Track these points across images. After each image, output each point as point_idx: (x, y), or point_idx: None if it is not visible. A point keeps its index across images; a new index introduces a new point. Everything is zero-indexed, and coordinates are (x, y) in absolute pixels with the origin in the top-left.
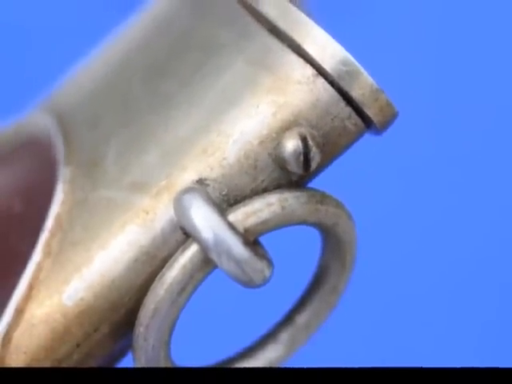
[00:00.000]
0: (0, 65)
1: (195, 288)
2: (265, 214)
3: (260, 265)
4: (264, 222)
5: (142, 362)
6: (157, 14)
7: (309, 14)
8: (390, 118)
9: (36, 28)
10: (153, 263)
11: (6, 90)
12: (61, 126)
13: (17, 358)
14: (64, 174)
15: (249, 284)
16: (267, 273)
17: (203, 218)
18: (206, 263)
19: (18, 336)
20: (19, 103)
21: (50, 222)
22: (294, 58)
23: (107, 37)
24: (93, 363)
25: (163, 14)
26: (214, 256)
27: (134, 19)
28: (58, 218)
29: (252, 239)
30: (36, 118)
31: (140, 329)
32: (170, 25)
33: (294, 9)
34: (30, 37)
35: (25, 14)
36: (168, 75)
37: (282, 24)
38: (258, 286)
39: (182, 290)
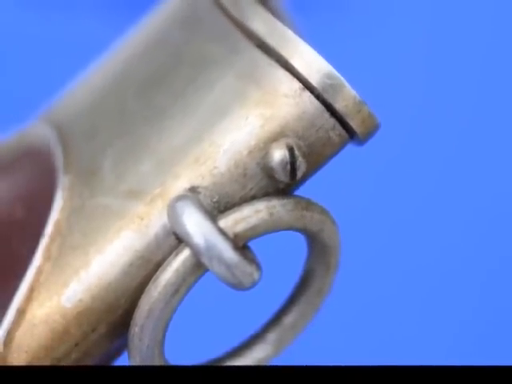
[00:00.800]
0: (1, 76)
1: (188, 290)
2: (253, 221)
3: (249, 268)
4: (253, 228)
5: (137, 361)
6: (152, 29)
7: (291, 25)
8: (372, 129)
9: (36, 44)
10: (147, 267)
11: (6, 101)
12: (60, 136)
13: (18, 357)
14: (63, 182)
15: (238, 287)
16: (256, 276)
17: (195, 224)
18: (198, 267)
19: (19, 336)
20: (20, 115)
21: (49, 228)
22: (281, 73)
23: (105, 51)
24: (90, 362)
25: (158, 29)
26: (205, 260)
27: (130, 35)
28: (57, 224)
29: (241, 244)
30: (36, 129)
31: (135, 329)
32: (165, 40)
33: (281, 26)
34: (28, 52)
35: (27, 28)
36: (162, 88)
37: (270, 40)
38: (247, 289)
39: (175, 292)
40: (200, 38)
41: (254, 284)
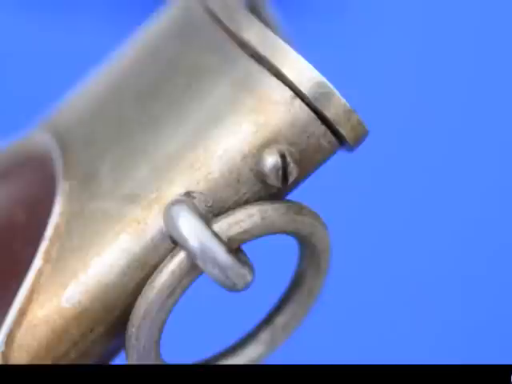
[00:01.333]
0: (2, 85)
1: (183, 292)
2: (246, 224)
3: (242, 271)
4: (246, 232)
5: (134, 360)
6: (149, 39)
7: (283, 34)
8: (361, 136)
9: (36, 51)
10: (144, 269)
11: (6, 108)
12: (60, 143)
13: (19, 356)
14: (63, 187)
15: (232, 288)
16: (249, 278)
17: (190, 228)
18: (193, 269)
19: (20, 336)
20: (20, 122)
21: (49, 231)
22: (273, 81)
23: (103, 61)
24: (89, 361)
25: (155, 39)
26: (200, 263)
27: (128, 43)
28: (57, 228)
29: (235, 247)
30: (37, 136)
31: (132, 329)
32: (161, 50)
33: (273, 36)
34: (28, 60)
35: (27, 35)
36: (158, 97)
37: (262, 50)
38: (241, 290)
39: (171, 293)
40: (195, 47)
41: (247, 286)
